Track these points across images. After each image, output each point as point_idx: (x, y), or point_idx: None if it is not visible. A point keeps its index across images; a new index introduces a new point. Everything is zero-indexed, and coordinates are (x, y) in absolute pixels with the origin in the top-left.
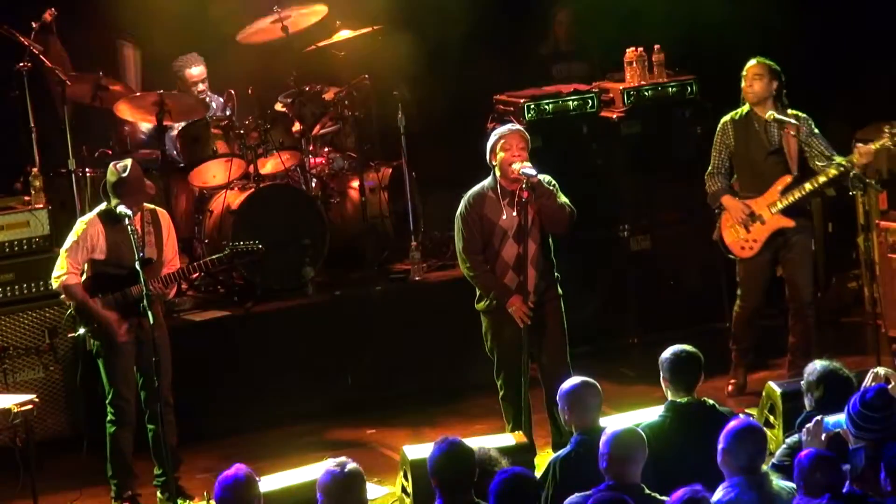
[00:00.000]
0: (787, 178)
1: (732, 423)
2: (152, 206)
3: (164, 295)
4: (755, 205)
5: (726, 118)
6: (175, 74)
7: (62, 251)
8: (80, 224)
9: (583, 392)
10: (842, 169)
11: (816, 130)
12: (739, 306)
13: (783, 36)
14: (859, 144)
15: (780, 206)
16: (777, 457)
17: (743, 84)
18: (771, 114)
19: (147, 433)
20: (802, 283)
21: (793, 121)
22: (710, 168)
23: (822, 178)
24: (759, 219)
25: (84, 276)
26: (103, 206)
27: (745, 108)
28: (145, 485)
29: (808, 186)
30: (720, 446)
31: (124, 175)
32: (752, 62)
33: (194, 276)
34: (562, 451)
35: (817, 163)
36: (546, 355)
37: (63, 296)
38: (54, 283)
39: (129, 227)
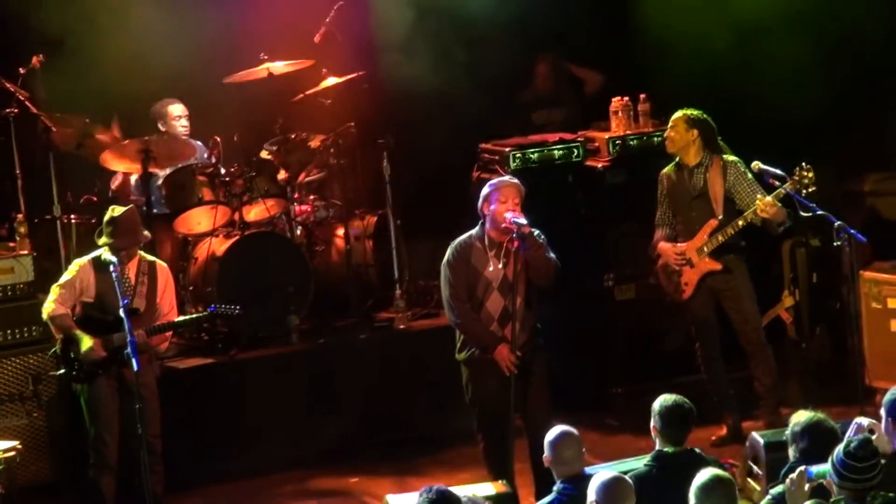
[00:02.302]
0: (713, 222)
1: (699, 475)
2: (152, 259)
3: (152, 347)
4: (686, 248)
5: (664, 170)
6: (156, 114)
7: (55, 285)
8: (75, 265)
9: (560, 443)
10: (747, 221)
11: (749, 175)
12: (700, 352)
13: (777, 84)
14: (759, 197)
15: (706, 249)
16: None
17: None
18: (756, 164)
19: (128, 479)
20: (742, 319)
21: (778, 171)
22: (656, 219)
23: (740, 223)
24: (689, 262)
25: (74, 317)
26: (100, 251)
27: (677, 158)
28: None
29: (729, 231)
30: (690, 497)
31: (117, 215)
32: (676, 115)
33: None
34: (545, 499)
35: (740, 206)
36: (530, 406)
37: (52, 327)
38: (44, 314)
39: (113, 274)
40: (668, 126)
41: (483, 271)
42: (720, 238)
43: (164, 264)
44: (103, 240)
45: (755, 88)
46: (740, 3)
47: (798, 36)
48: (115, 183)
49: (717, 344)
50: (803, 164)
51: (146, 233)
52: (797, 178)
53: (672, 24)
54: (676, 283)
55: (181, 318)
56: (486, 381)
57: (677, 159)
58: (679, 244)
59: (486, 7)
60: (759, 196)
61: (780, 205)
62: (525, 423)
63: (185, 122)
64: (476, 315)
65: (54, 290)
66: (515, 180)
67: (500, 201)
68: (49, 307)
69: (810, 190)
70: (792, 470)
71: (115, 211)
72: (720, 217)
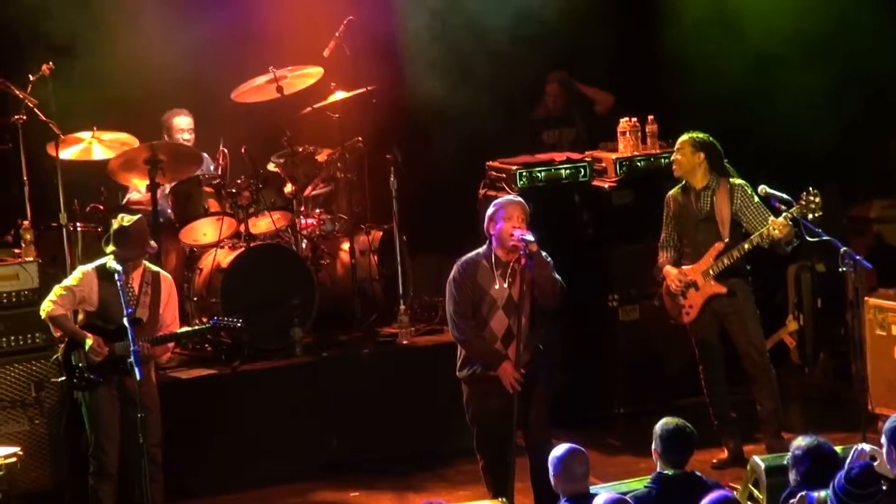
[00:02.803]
0: (719, 246)
1: (710, 497)
2: (156, 269)
3: (155, 357)
4: (691, 272)
5: (671, 192)
6: (163, 125)
7: (57, 286)
8: (79, 272)
9: (571, 458)
10: (753, 244)
11: (756, 199)
12: (704, 374)
13: (786, 110)
14: (772, 219)
15: (711, 273)
16: None
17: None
18: (763, 188)
19: (130, 489)
20: (746, 342)
21: (784, 195)
22: (660, 241)
23: (746, 246)
24: (694, 285)
25: (77, 325)
26: (105, 259)
27: (684, 181)
28: None
29: (735, 254)
30: None
31: (126, 225)
32: (682, 138)
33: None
34: None
35: (747, 229)
36: (531, 424)
37: (51, 326)
38: (42, 313)
39: (118, 282)
40: (675, 149)
41: (488, 290)
42: (726, 261)
43: (168, 275)
44: (111, 248)
45: (765, 114)
46: (756, 31)
47: (810, 64)
48: (136, 197)
49: (721, 367)
50: (810, 188)
51: (153, 243)
52: (804, 202)
53: (687, 47)
54: (681, 306)
55: (184, 329)
56: (487, 398)
57: (684, 182)
58: (685, 267)
59: (498, 23)
60: (770, 218)
61: (791, 224)
62: (526, 442)
63: (187, 135)
64: (479, 332)
65: (55, 291)
66: (520, 199)
67: (506, 219)
68: (48, 307)
69: (816, 214)
70: (792, 495)
71: (124, 220)
72: (726, 240)
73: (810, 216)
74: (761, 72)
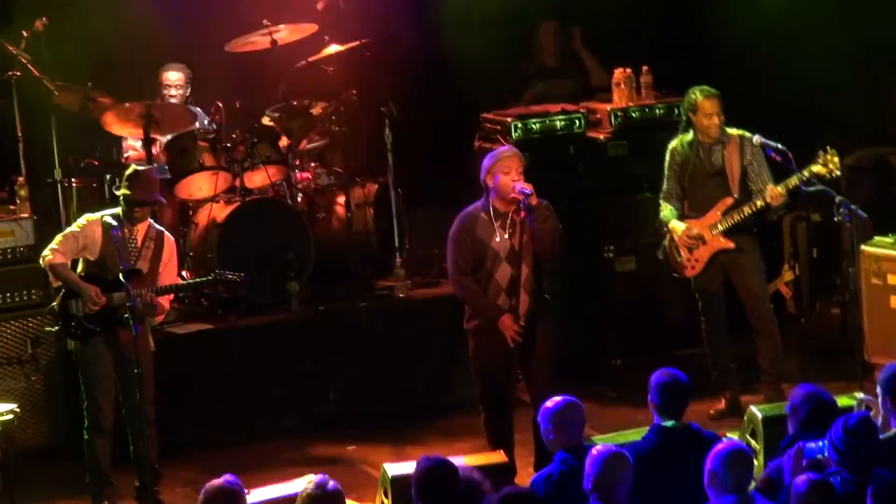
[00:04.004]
0: (728, 200)
1: (721, 445)
2: (161, 228)
3: (151, 315)
4: (697, 225)
5: (673, 144)
6: (157, 80)
7: (59, 234)
8: (84, 219)
9: (566, 411)
10: (759, 206)
11: (762, 154)
12: (705, 325)
13: (774, 59)
14: (770, 186)
15: (720, 227)
16: (760, 481)
17: (703, 119)
18: (758, 138)
19: (128, 445)
20: (756, 293)
21: (780, 146)
22: (662, 192)
23: (758, 203)
24: (701, 239)
25: (76, 273)
26: (113, 210)
27: (689, 134)
28: (126, 497)
29: (746, 210)
30: (708, 467)
31: (141, 169)
32: (710, 97)
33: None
34: (545, 469)
35: (752, 186)
36: (535, 376)
37: (49, 275)
38: (41, 261)
39: (114, 235)
40: (713, 110)
41: (490, 242)
42: (736, 217)
43: (171, 237)
44: (123, 190)
45: (763, 59)
46: None
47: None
48: (132, 153)
49: (723, 319)
50: (827, 147)
51: (161, 198)
52: (821, 162)
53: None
54: (686, 259)
55: (185, 281)
56: (492, 351)
57: (691, 134)
58: (689, 220)
59: None
60: (769, 184)
61: (786, 195)
62: (530, 394)
63: (174, 91)
64: (479, 288)
65: (57, 239)
66: (516, 150)
67: (504, 172)
68: (48, 255)
69: (835, 174)
70: (790, 443)
71: (138, 165)
72: (736, 196)
73: (829, 177)
74: (755, 17)
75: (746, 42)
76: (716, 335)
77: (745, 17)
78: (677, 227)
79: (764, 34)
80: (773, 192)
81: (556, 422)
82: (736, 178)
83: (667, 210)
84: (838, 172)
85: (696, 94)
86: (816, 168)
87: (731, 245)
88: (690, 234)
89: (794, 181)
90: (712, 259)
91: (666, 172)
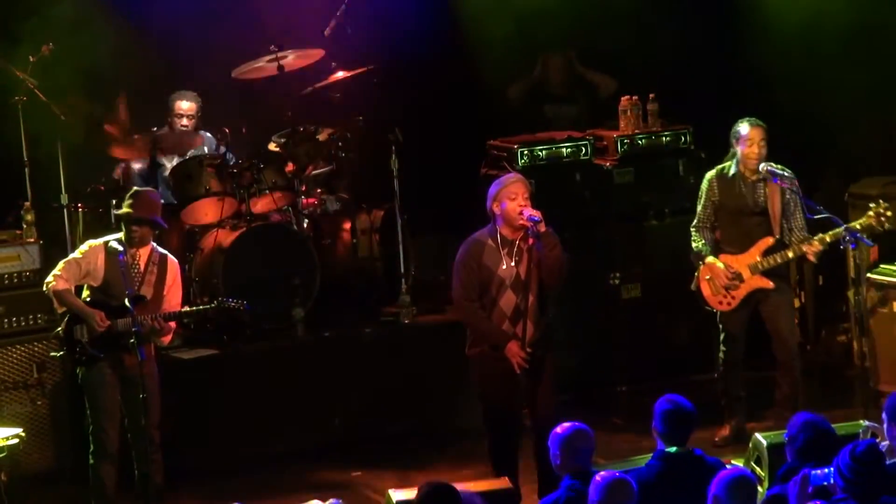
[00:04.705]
0: (770, 240)
1: (725, 472)
2: (164, 252)
3: (158, 338)
4: (736, 261)
5: (712, 174)
6: (168, 107)
7: (62, 261)
8: (86, 245)
9: (575, 437)
10: (800, 254)
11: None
12: (724, 354)
13: (778, 84)
14: (814, 240)
15: (760, 268)
16: None
17: (745, 147)
18: (764, 166)
19: (133, 470)
20: (786, 332)
21: (786, 173)
22: (695, 221)
23: (804, 249)
24: (738, 277)
25: (81, 300)
26: (115, 236)
27: (731, 165)
28: None
29: (789, 254)
30: (712, 492)
31: (142, 189)
32: (755, 126)
33: (171, 325)
34: (552, 495)
35: (785, 224)
36: (539, 404)
37: (54, 302)
38: (45, 288)
39: (120, 260)
40: (758, 139)
41: (496, 270)
42: (777, 260)
43: (175, 260)
44: (124, 209)
45: (768, 87)
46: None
47: (818, 38)
48: (117, 173)
49: (742, 351)
50: (880, 200)
51: (162, 220)
52: (873, 214)
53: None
54: (723, 296)
55: (188, 309)
56: (495, 377)
57: (731, 167)
58: (726, 255)
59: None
60: (802, 227)
61: (825, 247)
62: (533, 421)
63: (185, 120)
64: (486, 314)
65: (59, 265)
66: (521, 176)
67: (510, 198)
68: (51, 281)
69: (886, 227)
70: (789, 471)
71: (141, 187)
72: (777, 236)
73: (881, 228)
74: (767, 44)
75: (758, 69)
76: (732, 365)
77: (759, 42)
78: (717, 266)
79: (776, 61)
80: (815, 247)
81: (565, 447)
82: (778, 218)
83: (700, 243)
84: (890, 225)
85: (742, 123)
86: (866, 221)
87: (771, 285)
88: (730, 272)
89: (837, 233)
90: (747, 298)
91: (702, 201)
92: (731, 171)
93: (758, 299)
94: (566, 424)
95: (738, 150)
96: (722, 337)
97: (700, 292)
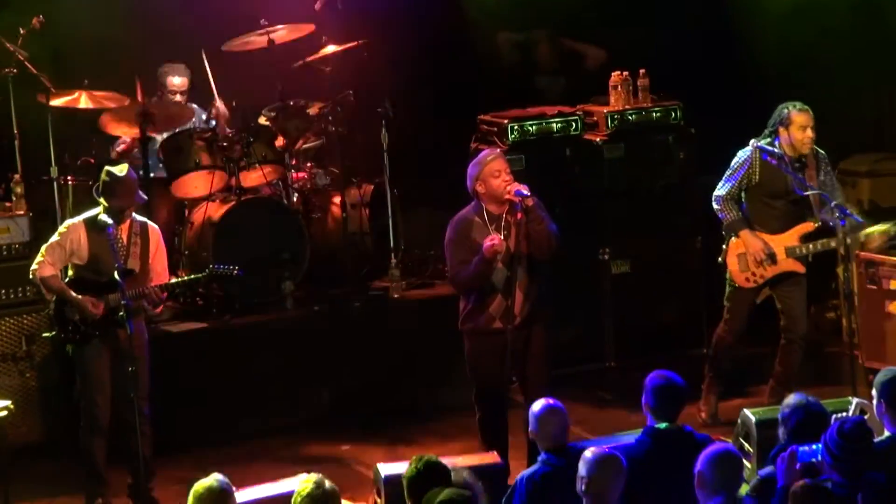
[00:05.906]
0: (810, 226)
1: (710, 447)
2: (143, 219)
3: (146, 309)
4: (772, 241)
5: (757, 154)
6: (158, 80)
7: (44, 245)
8: (64, 226)
9: (546, 416)
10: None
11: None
12: (725, 329)
13: (769, 63)
14: (876, 230)
15: (797, 252)
16: (751, 488)
17: (797, 133)
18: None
19: (122, 442)
20: (798, 313)
21: (776, 150)
22: (725, 192)
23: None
24: (772, 257)
25: (67, 279)
26: (94, 211)
27: (776, 145)
28: (119, 494)
29: (831, 244)
30: (697, 468)
31: (120, 175)
32: (804, 110)
33: (164, 295)
34: (529, 469)
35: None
36: (529, 378)
37: (41, 288)
38: (31, 275)
39: (109, 233)
40: (808, 123)
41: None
42: (818, 247)
43: (155, 225)
44: (107, 200)
45: (757, 64)
46: None
47: (809, 13)
48: (122, 147)
49: (745, 328)
50: None
51: (142, 194)
52: (885, 235)
53: None
54: (751, 273)
55: (180, 279)
56: (487, 352)
57: (776, 147)
58: (761, 234)
59: None
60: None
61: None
62: (524, 396)
63: (179, 96)
64: (476, 291)
65: (42, 250)
66: (497, 151)
67: (494, 176)
68: (36, 268)
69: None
70: (782, 450)
71: (118, 170)
72: (818, 223)
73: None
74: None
75: (748, 44)
76: (730, 338)
77: (750, 17)
78: (754, 240)
79: (766, 37)
80: (876, 242)
81: (538, 425)
82: (817, 201)
83: (736, 213)
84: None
85: (790, 108)
86: (875, 233)
87: (803, 270)
88: (766, 252)
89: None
90: (773, 278)
91: (735, 174)
92: (776, 150)
93: (776, 280)
94: (539, 402)
95: (788, 134)
96: (727, 308)
97: (725, 263)
